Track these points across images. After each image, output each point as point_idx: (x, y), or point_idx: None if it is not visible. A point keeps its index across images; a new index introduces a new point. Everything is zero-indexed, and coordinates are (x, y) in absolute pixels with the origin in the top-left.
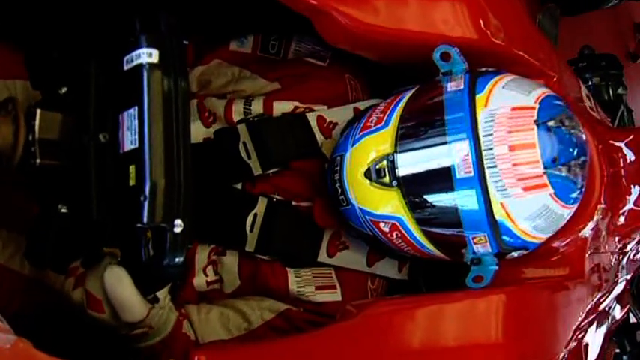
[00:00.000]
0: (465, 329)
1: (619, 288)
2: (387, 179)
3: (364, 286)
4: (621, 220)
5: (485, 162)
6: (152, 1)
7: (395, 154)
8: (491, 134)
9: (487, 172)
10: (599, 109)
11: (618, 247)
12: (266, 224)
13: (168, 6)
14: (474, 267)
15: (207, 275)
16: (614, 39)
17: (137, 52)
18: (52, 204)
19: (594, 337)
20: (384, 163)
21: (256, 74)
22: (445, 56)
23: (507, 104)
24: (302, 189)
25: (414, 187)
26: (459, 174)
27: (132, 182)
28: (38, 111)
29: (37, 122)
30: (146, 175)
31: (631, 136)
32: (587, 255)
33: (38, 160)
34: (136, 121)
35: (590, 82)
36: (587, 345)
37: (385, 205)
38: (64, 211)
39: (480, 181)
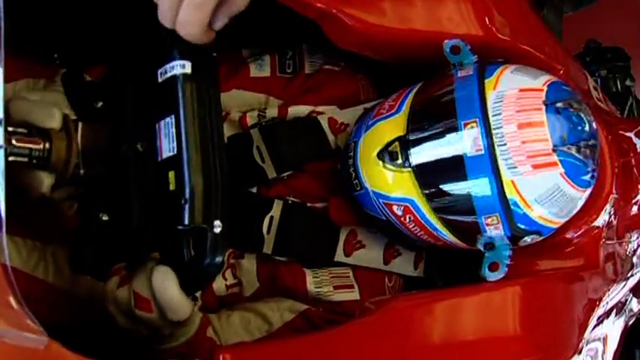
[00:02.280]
0: (481, 322)
1: (635, 279)
2: (399, 161)
3: (382, 284)
4: (634, 209)
5: (495, 140)
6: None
7: (407, 136)
8: (500, 113)
9: (497, 150)
10: (607, 100)
11: (632, 237)
12: (282, 226)
13: None
14: (488, 253)
15: (226, 279)
16: (621, 31)
17: (171, 64)
18: (93, 212)
19: (613, 329)
20: (397, 144)
21: (281, 100)
22: (455, 49)
23: (516, 86)
24: (316, 190)
25: (426, 168)
26: (470, 152)
27: (172, 187)
28: (80, 124)
29: (79, 134)
30: (185, 179)
31: None
32: (601, 245)
33: (82, 171)
34: (173, 129)
35: (597, 75)
36: (606, 336)
37: (398, 187)
38: (104, 218)
39: (490, 159)
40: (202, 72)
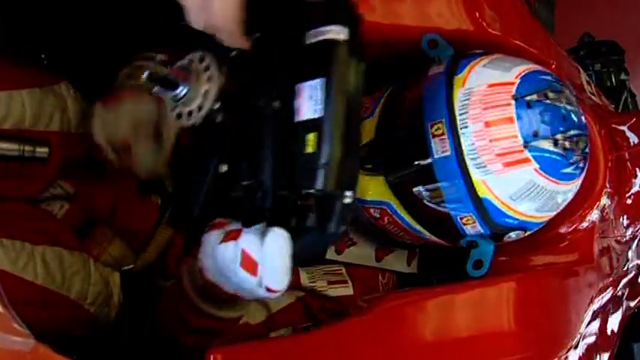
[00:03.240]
0: (475, 318)
1: (631, 273)
2: (370, 165)
3: (375, 280)
4: (628, 203)
5: (462, 140)
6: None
7: (376, 141)
8: (466, 112)
9: (465, 149)
10: (600, 94)
11: (627, 231)
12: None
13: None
14: (473, 250)
15: None
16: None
17: (327, 27)
18: (213, 162)
19: (610, 324)
20: (367, 149)
21: None
22: (432, 43)
23: (484, 82)
24: None
25: (396, 172)
26: (437, 154)
27: (309, 149)
28: (223, 67)
29: (217, 81)
30: (327, 142)
31: (633, 119)
32: (595, 240)
33: (219, 117)
34: (320, 92)
35: (591, 69)
36: (604, 331)
37: (372, 190)
38: (224, 169)
39: (457, 159)
40: (356, 42)
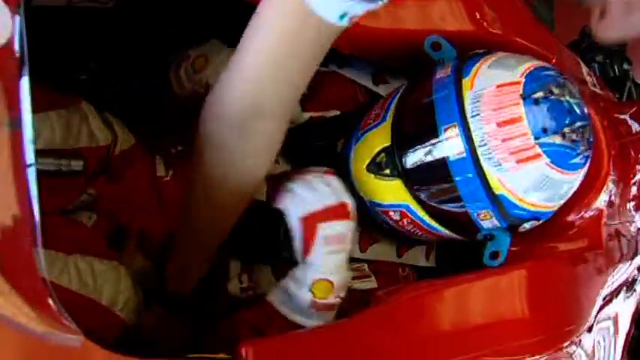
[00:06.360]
0: (489, 306)
1: None
2: (387, 171)
3: (396, 274)
4: (634, 190)
5: (475, 141)
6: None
7: (392, 146)
8: (478, 114)
9: (479, 150)
10: (603, 86)
11: (636, 217)
12: None
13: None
14: (489, 243)
15: (242, 282)
16: None
17: None
18: None
19: (623, 308)
20: (383, 155)
21: None
22: (435, 46)
23: (492, 83)
24: None
25: (413, 175)
26: (453, 157)
27: None
28: None
29: None
30: None
31: (634, 107)
32: (603, 226)
33: None
34: None
35: (594, 61)
36: (617, 315)
37: (391, 194)
38: None
39: (473, 160)
40: None
